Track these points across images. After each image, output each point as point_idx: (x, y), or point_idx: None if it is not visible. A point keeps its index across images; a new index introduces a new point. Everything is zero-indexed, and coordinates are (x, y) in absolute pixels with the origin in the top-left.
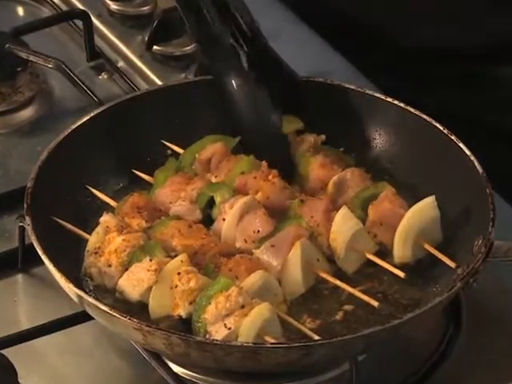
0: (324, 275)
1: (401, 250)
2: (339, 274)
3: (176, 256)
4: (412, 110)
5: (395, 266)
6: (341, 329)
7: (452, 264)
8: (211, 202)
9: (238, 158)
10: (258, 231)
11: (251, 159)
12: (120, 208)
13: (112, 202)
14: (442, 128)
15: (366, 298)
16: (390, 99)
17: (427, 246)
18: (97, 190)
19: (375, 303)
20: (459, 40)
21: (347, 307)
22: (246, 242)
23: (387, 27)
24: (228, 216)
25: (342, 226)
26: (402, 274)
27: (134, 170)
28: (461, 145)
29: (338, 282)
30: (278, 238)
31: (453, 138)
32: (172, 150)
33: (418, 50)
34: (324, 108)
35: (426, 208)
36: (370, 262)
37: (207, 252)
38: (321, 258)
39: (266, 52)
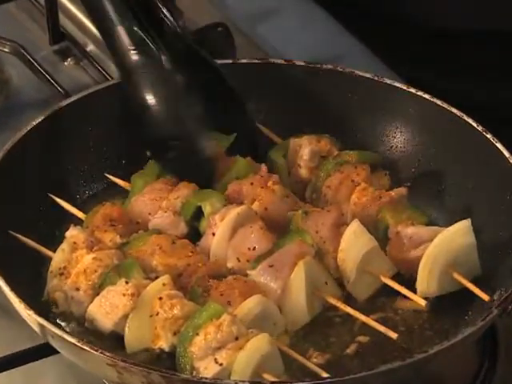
0: (333, 301)
1: (425, 282)
2: (352, 299)
3: (157, 278)
4: (439, 102)
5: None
6: (354, 365)
7: (485, 297)
8: (198, 214)
9: (231, 160)
10: (254, 248)
11: (248, 161)
12: (89, 220)
13: (80, 214)
14: (475, 125)
15: (382, 328)
16: (413, 90)
17: (458, 277)
18: (62, 198)
19: (394, 335)
20: (486, 23)
21: (361, 338)
22: (239, 261)
23: (412, 7)
24: (218, 230)
25: (353, 244)
26: (423, 303)
27: (107, 175)
28: (498, 145)
29: (349, 310)
30: (277, 257)
31: (488, 136)
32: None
33: (444, 34)
34: (333, 100)
35: (458, 234)
36: (387, 285)
37: (194, 273)
38: (329, 281)
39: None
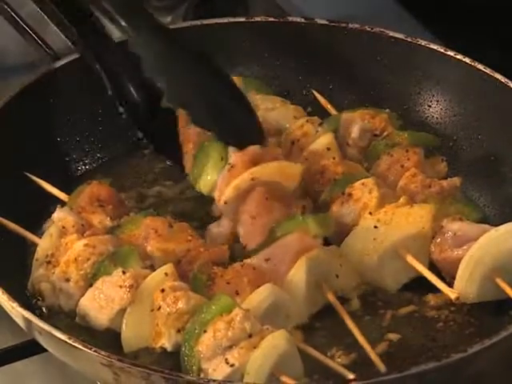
0: (331, 299)
1: (463, 286)
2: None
3: (152, 266)
4: (481, 66)
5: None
6: (383, 366)
7: None
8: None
9: None
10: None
11: None
12: (73, 201)
13: (61, 195)
14: None
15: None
16: (451, 52)
17: (502, 284)
18: (41, 178)
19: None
20: None
21: (392, 336)
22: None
23: None
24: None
25: None
26: (452, 296)
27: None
28: None
29: (343, 314)
30: (275, 250)
31: None
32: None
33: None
34: (359, 64)
35: (510, 235)
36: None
37: (195, 259)
38: (341, 273)
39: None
